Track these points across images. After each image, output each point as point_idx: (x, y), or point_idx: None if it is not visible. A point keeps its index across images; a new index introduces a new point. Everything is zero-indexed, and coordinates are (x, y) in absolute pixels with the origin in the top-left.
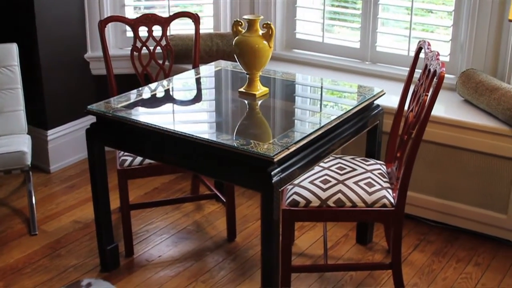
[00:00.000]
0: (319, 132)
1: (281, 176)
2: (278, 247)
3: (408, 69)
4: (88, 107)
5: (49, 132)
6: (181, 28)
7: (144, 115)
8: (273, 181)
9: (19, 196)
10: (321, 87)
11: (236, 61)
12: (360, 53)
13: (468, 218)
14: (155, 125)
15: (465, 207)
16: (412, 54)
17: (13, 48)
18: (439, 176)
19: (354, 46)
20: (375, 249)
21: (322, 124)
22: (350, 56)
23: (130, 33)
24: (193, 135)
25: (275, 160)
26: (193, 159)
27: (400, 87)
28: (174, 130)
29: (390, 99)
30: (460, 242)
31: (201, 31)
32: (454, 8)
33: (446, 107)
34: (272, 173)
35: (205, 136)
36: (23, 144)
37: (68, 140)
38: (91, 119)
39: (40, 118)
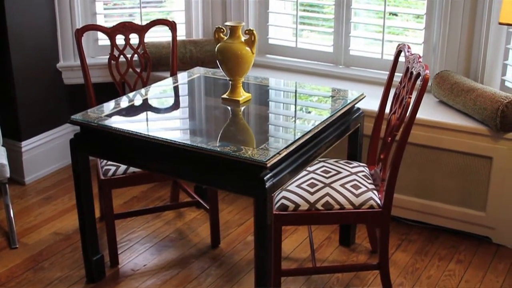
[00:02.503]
0: (307, 136)
1: (273, 181)
2: (271, 252)
3: (381, 71)
4: (72, 117)
5: (23, 143)
6: (154, 35)
7: (130, 124)
8: (266, 186)
9: None
10: (296, 92)
11: (213, 68)
12: (334, 57)
13: (448, 216)
14: (143, 133)
15: (444, 206)
16: (386, 57)
17: None
18: (418, 176)
19: (327, 50)
20: (358, 250)
21: (309, 128)
22: (324, 60)
23: (102, 42)
24: (183, 142)
25: (268, 165)
26: (183, 166)
27: (374, 89)
28: (163, 138)
29: (365, 102)
30: (441, 241)
31: None
32: (426, 11)
33: (422, 109)
34: (265, 178)
35: (195, 143)
36: (1, 156)
37: (42, 151)
38: (65, 128)
39: (13, 129)
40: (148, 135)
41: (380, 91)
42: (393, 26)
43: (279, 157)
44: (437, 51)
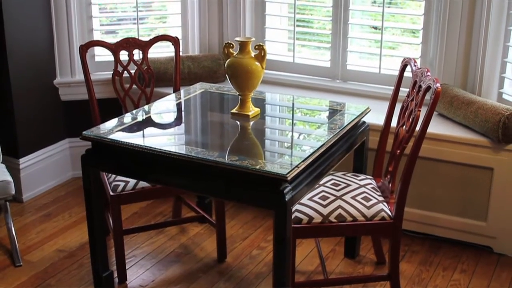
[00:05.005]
0: (322, 150)
1: (292, 194)
2: (290, 264)
3: (379, 86)
4: (84, 133)
5: (21, 160)
6: (151, 51)
7: (144, 139)
8: (286, 199)
9: None
10: (292, 105)
11: (211, 83)
12: (331, 71)
13: (449, 227)
14: (160, 148)
15: (446, 217)
16: (383, 71)
17: None
18: (419, 188)
19: (324, 65)
20: (364, 262)
21: (323, 142)
22: (321, 75)
23: (99, 58)
24: (202, 157)
25: (289, 178)
26: (202, 181)
27: (372, 104)
28: (181, 153)
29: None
30: (443, 251)
31: (171, 54)
32: (423, 26)
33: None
34: (285, 191)
35: (213, 157)
36: (4, 173)
37: (40, 168)
38: (62, 145)
39: (11, 146)
40: (165, 150)
41: (378, 105)
42: (390, 40)
43: (298, 170)
44: (434, 65)
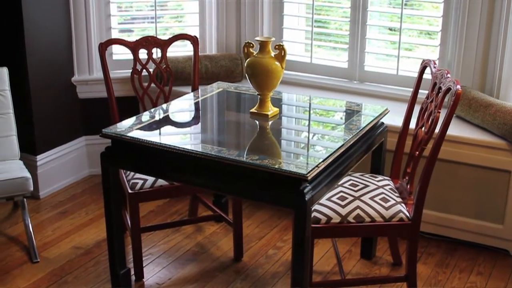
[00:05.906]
0: (342, 150)
1: (312, 194)
2: (308, 264)
3: (396, 87)
4: (103, 130)
5: (38, 157)
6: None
7: (163, 137)
8: (306, 198)
9: (11, 223)
10: (309, 106)
11: (232, 82)
12: (348, 72)
13: (466, 229)
14: (180, 147)
15: (462, 219)
16: (401, 73)
17: (4, 72)
18: (436, 190)
19: (342, 66)
20: (380, 263)
21: (342, 143)
22: (338, 76)
23: (116, 56)
24: (223, 156)
25: (309, 178)
26: (221, 180)
27: (389, 105)
28: (201, 151)
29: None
30: (460, 253)
31: (188, 53)
32: (441, 28)
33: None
34: (305, 190)
35: (233, 157)
36: (23, 169)
37: (57, 165)
38: (79, 143)
39: (28, 143)
40: (186, 148)
41: (395, 106)
42: (408, 42)
43: (318, 170)
44: (452, 67)
